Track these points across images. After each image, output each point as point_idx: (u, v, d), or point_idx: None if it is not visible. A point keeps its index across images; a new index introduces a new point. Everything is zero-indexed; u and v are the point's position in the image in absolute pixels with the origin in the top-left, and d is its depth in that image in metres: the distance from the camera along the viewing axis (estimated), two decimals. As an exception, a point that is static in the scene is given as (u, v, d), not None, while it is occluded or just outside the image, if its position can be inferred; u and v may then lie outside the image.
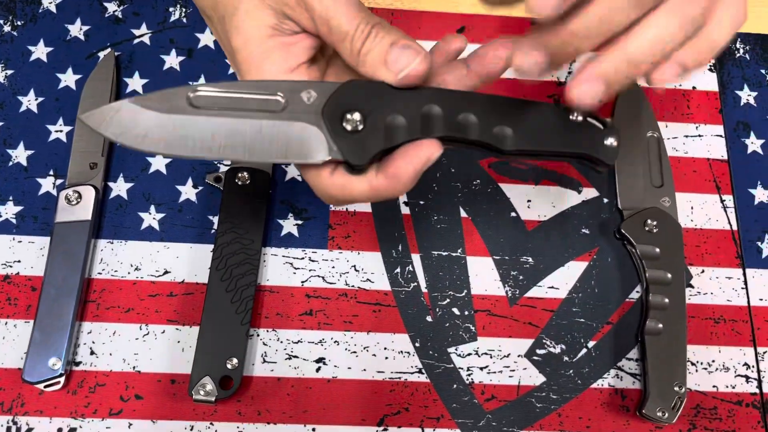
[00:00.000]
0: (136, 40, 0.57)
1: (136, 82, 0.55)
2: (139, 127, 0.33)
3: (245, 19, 0.35)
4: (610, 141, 0.35)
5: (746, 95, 0.59)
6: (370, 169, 0.35)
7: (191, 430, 0.47)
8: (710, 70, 0.60)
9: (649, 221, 0.52)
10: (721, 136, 0.58)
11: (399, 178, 0.34)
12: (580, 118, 0.35)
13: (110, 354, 0.48)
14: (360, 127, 0.34)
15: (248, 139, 0.34)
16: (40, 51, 0.55)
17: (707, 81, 0.59)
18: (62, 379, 0.47)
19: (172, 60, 0.56)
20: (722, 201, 0.56)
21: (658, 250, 0.52)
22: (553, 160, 0.36)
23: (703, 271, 0.53)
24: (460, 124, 0.34)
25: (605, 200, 0.55)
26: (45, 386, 0.47)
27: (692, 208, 0.55)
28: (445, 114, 0.34)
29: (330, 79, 0.39)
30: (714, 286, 0.53)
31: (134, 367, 0.48)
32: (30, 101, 0.54)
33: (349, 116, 0.34)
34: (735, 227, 0.55)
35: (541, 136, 0.35)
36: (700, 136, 0.57)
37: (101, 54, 0.56)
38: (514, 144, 0.35)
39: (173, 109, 0.33)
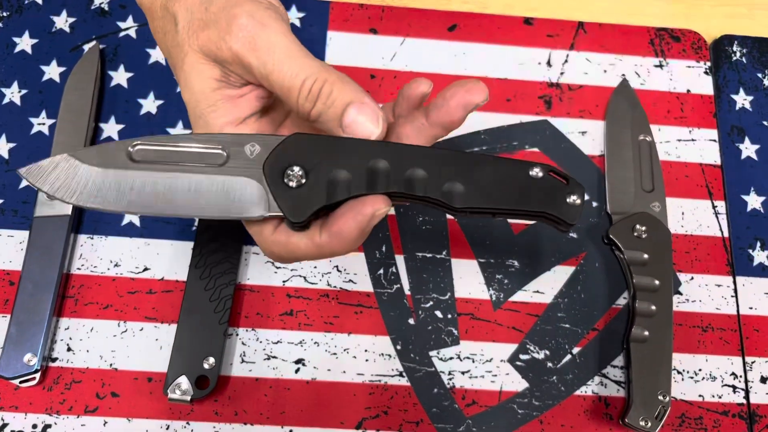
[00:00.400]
0: (122, 33, 0.56)
1: (120, 76, 0.55)
2: (77, 182, 0.32)
3: (190, 72, 0.34)
4: (573, 198, 0.33)
5: (742, 99, 0.58)
6: (314, 226, 0.34)
7: (167, 429, 0.46)
8: (705, 73, 0.58)
9: (638, 226, 0.51)
10: (714, 140, 0.56)
11: (343, 236, 0.32)
12: (540, 173, 0.33)
13: (87, 351, 0.48)
14: (303, 182, 0.33)
15: (186, 194, 0.33)
16: (24, 43, 0.55)
17: (702, 84, 0.58)
18: (38, 375, 0.46)
19: (158, 54, 0.55)
20: (714, 207, 0.55)
21: (646, 256, 0.51)
22: (511, 218, 0.34)
23: (692, 278, 0.53)
24: (408, 179, 0.33)
25: (594, 204, 0.54)
26: (20, 382, 0.46)
27: (683, 213, 0.54)
28: (392, 169, 0.33)
29: (287, 129, 0.38)
30: (703, 293, 0.52)
31: (111, 365, 0.47)
32: (13, 93, 0.53)
33: (290, 171, 0.32)
34: (726, 234, 0.54)
35: (495, 193, 0.33)
36: (693, 140, 0.56)
37: (86, 47, 0.55)
38: (465, 201, 0.33)
39: (111, 164, 0.33)
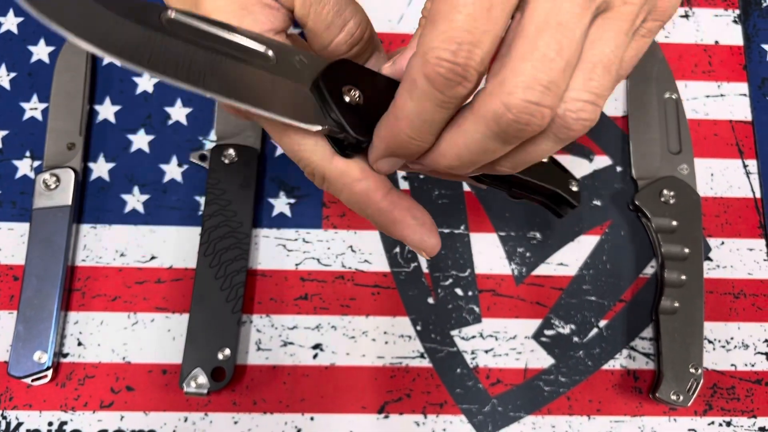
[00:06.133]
0: (112, 7, 0.53)
1: (113, 53, 0.52)
2: (97, 26, 0.24)
3: None
4: (574, 185, 0.35)
5: (773, 49, 0.54)
6: (359, 157, 0.30)
7: (185, 421, 0.45)
8: (734, 21, 0.55)
9: (665, 191, 0.49)
10: (745, 95, 0.53)
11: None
12: (545, 158, 0.33)
13: (98, 344, 0.46)
14: (359, 102, 0.29)
15: (232, 79, 0.27)
16: (9, 22, 0.52)
17: (731, 34, 0.54)
18: (49, 373, 0.45)
19: (151, 27, 0.52)
20: (745, 166, 0.52)
21: (675, 223, 0.48)
22: (521, 194, 0.35)
23: (722, 243, 0.50)
24: None
25: (618, 169, 0.51)
26: (32, 380, 0.45)
27: (712, 174, 0.51)
28: None
29: None
30: (734, 258, 0.50)
31: (124, 358, 0.46)
32: (2, 77, 0.51)
33: (345, 88, 0.29)
34: (758, 195, 0.51)
35: None
36: (722, 95, 0.53)
37: (74, 23, 0.52)
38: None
39: (141, 20, 0.26)
